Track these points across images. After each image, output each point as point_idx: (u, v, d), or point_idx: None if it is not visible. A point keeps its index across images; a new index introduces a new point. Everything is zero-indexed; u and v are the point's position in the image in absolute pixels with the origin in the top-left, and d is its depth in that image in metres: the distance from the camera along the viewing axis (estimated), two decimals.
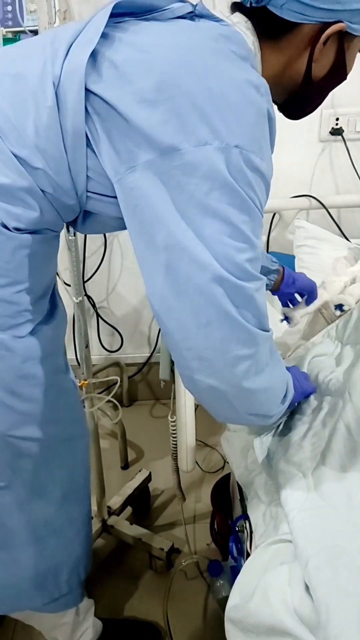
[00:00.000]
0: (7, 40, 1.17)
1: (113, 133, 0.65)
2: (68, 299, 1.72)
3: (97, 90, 0.65)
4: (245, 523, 1.01)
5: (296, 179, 1.86)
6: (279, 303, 1.35)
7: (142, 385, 2.21)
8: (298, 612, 0.65)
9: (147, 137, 0.63)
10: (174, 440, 1.29)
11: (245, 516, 1.01)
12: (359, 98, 1.77)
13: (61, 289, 1.68)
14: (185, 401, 1.09)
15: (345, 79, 0.81)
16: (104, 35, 0.66)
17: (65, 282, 1.78)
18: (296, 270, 1.56)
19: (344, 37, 0.74)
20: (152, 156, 0.63)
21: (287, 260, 1.66)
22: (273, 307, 1.41)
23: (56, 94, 0.66)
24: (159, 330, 2.10)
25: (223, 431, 1.23)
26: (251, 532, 0.97)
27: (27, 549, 0.92)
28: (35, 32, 1.16)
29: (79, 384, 1.28)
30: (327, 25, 0.71)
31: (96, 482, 1.42)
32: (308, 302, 1.24)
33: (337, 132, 1.80)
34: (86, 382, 1.28)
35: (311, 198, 1.72)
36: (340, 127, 1.80)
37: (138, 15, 0.70)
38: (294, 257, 1.61)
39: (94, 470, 1.41)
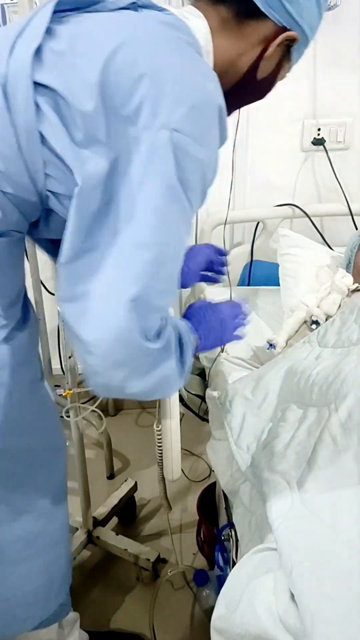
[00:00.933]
0: None
1: (65, 122, 0.65)
2: (52, 308, 1.72)
3: (45, 81, 0.65)
4: (230, 532, 1.01)
5: (279, 188, 1.88)
6: (269, 329, 1.37)
7: None
8: (283, 620, 0.65)
9: (96, 123, 0.63)
10: (159, 449, 1.28)
11: (231, 525, 1.01)
12: (339, 109, 1.80)
13: (46, 298, 1.69)
14: (171, 409, 1.09)
15: (263, 96, 0.85)
16: (48, 31, 0.66)
17: (50, 291, 1.78)
18: (280, 279, 1.58)
19: (285, 54, 0.79)
20: (102, 139, 0.63)
21: (271, 268, 1.68)
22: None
23: (5, 92, 0.66)
24: None
25: (209, 439, 1.23)
26: (237, 540, 0.97)
27: (17, 567, 0.90)
28: None
29: (64, 394, 1.27)
30: (286, 31, 0.76)
31: (81, 493, 1.41)
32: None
33: (319, 142, 1.82)
34: (71, 391, 1.27)
35: (294, 207, 1.73)
36: (322, 137, 1.82)
37: (82, 9, 0.70)
38: (277, 265, 1.62)
39: (79, 480, 1.40)
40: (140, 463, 1.88)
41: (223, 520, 1.15)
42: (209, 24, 0.75)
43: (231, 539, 1.00)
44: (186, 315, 0.90)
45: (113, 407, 2.16)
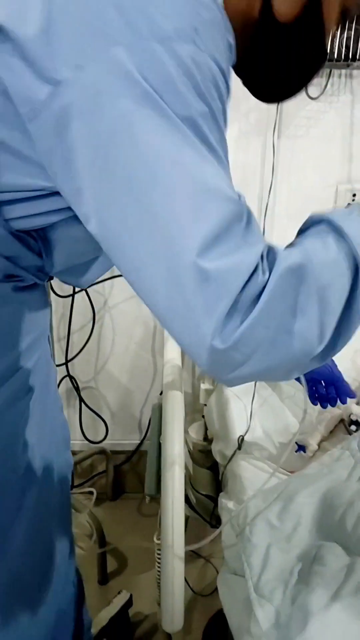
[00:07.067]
0: None
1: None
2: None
3: None
4: None
5: None
6: (295, 421, 1.15)
7: (131, 476, 1.96)
8: None
9: (53, 55, 0.47)
10: (159, 567, 1.05)
11: None
12: None
13: None
14: (174, 533, 0.85)
15: (324, 39, 0.60)
16: None
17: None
18: None
19: None
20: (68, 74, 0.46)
21: None
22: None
23: None
24: (150, 417, 1.88)
25: (219, 540, 0.98)
26: None
27: None
28: None
29: None
30: None
31: None
32: (329, 393, 0.99)
33: None
34: None
35: None
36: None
37: None
38: None
39: None
40: (139, 564, 1.61)
41: None
42: None
43: None
44: None
45: (112, 490, 1.92)
